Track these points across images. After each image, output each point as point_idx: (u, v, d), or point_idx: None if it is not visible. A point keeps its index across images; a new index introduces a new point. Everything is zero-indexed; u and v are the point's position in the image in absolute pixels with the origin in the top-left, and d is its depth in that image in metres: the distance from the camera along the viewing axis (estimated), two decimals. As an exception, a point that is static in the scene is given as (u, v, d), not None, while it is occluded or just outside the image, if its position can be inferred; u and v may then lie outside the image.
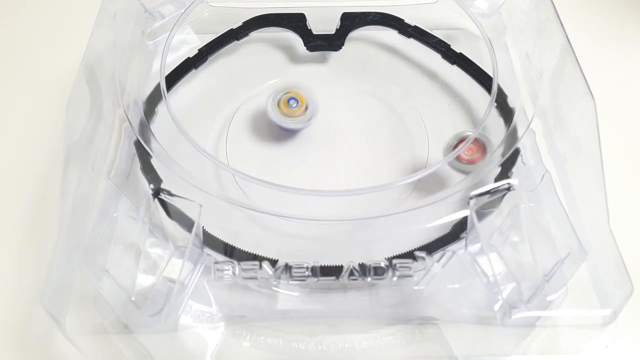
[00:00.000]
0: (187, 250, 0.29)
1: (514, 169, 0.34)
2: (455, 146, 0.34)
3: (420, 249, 0.30)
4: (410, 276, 0.29)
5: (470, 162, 0.34)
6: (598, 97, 0.32)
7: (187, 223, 0.31)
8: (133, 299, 0.28)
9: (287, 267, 0.29)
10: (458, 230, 0.31)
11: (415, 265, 0.29)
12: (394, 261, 0.29)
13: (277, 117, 0.37)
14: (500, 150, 0.34)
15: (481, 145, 0.35)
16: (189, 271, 0.29)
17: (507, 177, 0.33)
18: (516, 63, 0.38)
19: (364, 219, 0.31)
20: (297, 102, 0.37)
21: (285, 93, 0.37)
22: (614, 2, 0.49)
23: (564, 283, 0.28)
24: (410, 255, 0.30)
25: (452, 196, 0.31)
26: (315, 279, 0.29)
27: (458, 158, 0.34)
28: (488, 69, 0.39)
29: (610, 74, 0.43)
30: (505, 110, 0.37)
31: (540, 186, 0.32)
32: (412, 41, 0.42)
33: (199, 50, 0.41)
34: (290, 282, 0.29)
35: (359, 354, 0.29)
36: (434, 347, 0.30)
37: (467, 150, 0.34)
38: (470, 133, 0.34)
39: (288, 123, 0.37)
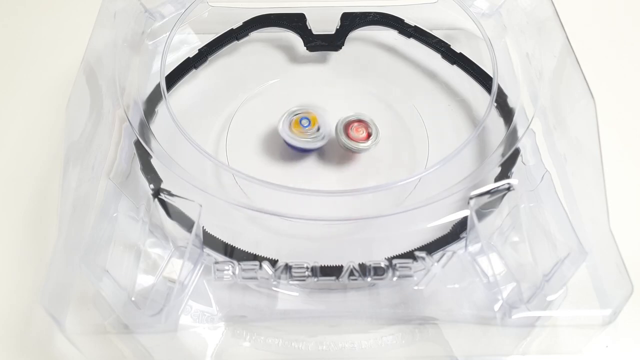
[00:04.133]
0: (187, 250, 0.29)
1: (514, 169, 0.34)
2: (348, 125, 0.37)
3: (420, 249, 0.30)
4: (410, 276, 0.29)
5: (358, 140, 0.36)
6: (598, 97, 0.32)
7: (187, 223, 0.31)
8: (133, 299, 0.28)
9: (287, 267, 0.29)
10: (458, 230, 0.31)
11: (415, 265, 0.29)
12: (394, 261, 0.29)
13: (289, 137, 0.36)
14: (500, 150, 0.34)
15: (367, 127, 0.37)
16: (189, 271, 0.29)
17: (507, 177, 0.33)
18: (516, 63, 0.38)
19: (364, 219, 0.31)
20: (309, 122, 0.36)
21: (296, 114, 0.36)
22: (614, 2, 0.49)
23: (564, 283, 0.28)
24: (410, 255, 0.30)
25: (452, 196, 0.31)
26: (315, 279, 0.29)
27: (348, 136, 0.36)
28: (488, 69, 0.39)
29: (610, 74, 0.43)
30: (505, 110, 0.37)
31: (540, 186, 0.32)
32: (412, 41, 0.42)
33: (199, 50, 0.41)
34: (290, 282, 0.29)
35: (359, 354, 0.29)
36: (434, 347, 0.30)
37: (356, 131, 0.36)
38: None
39: (301, 143, 0.36)
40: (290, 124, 0.36)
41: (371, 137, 0.36)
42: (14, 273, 0.34)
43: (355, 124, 0.36)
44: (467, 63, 0.40)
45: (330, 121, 0.37)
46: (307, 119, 0.36)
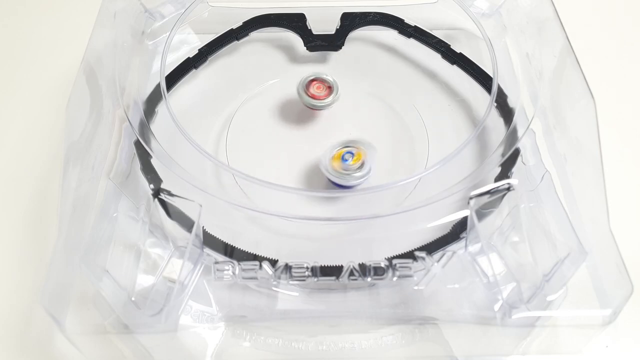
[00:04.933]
0: (187, 250, 0.29)
1: (514, 169, 0.34)
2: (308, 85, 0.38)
3: (420, 249, 0.30)
4: (410, 276, 0.29)
5: (317, 98, 0.37)
6: (598, 97, 0.32)
7: (187, 223, 0.31)
8: (133, 299, 0.28)
9: (287, 267, 0.29)
10: (458, 230, 0.31)
11: (415, 265, 0.29)
12: (394, 261, 0.29)
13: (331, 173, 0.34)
14: (500, 150, 0.34)
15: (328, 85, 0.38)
16: (189, 271, 0.29)
17: (507, 177, 0.33)
18: (516, 63, 0.38)
19: (364, 218, 0.31)
20: (353, 156, 0.34)
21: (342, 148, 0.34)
22: (614, 2, 0.49)
23: (564, 283, 0.28)
24: (410, 255, 0.30)
25: (452, 196, 0.31)
26: (315, 279, 0.29)
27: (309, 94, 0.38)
28: (488, 69, 0.39)
29: (610, 74, 0.43)
30: (505, 110, 0.37)
31: (540, 186, 0.32)
32: (412, 41, 0.42)
33: (199, 50, 0.41)
34: (290, 282, 0.29)
35: (359, 354, 0.29)
36: (434, 347, 0.30)
37: (317, 89, 0.37)
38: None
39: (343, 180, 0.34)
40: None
41: (332, 93, 0.37)
42: (14, 273, 0.34)
43: (315, 82, 0.37)
44: (467, 63, 0.40)
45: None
46: (349, 153, 0.34)
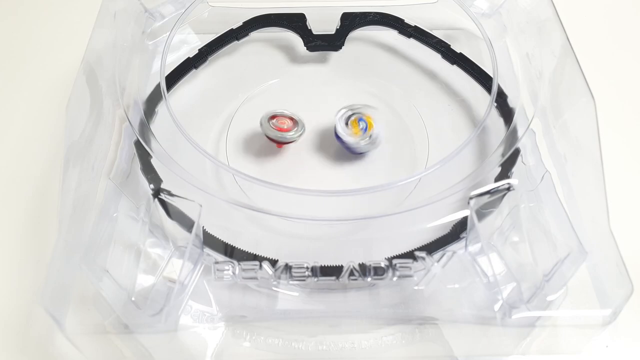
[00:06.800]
0: (187, 250, 0.29)
1: (514, 169, 0.34)
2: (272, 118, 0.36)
3: (420, 249, 0.30)
4: (410, 276, 0.29)
5: (281, 130, 0.36)
6: (598, 97, 0.32)
7: (187, 223, 0.31)
8: (133, 299, 0.28)
9: (287, 267, 0.29)
10: (458, 230, 0.31)
11: (415, 265, 0.29)
12: (394, 261, 0.29)
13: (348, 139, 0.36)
14: (500, 150, 0.34)
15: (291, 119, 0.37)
16: (189, 271, 0.29)
17: (507, 177, 0.33)
18: (516, 63, 0.38)
19: (364, 219, 0.31)
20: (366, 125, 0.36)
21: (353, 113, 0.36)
22: (614, 2, 0.49)
23: (564, 283, 0.28)
24: (410, 255, 0.30)
25: (452, 196, 0.31)
26: (315, 279, 0.29)
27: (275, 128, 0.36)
28: (488, 69, 0.39)
29: (610, 74, 0.43)
30: (505, 110, 0.37)
31: (540, 186, 0.32)
32: (412, 41, 0.42)
33: (199, 50, 0.41)
34: (290, 282, 0.29)
35: (359, 354, 0.29)
36: (434, 347, 0.30)
37: (280, 122, 0.36)
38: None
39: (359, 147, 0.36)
40: (347, 124, 0.36)
41: (296, 127, 0.36)
42: (14, 273, 0.34)
43: (278, 117, 0.37)
44: (467, 63, 0.40)
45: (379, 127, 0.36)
46: (363, 121, 0.36)
